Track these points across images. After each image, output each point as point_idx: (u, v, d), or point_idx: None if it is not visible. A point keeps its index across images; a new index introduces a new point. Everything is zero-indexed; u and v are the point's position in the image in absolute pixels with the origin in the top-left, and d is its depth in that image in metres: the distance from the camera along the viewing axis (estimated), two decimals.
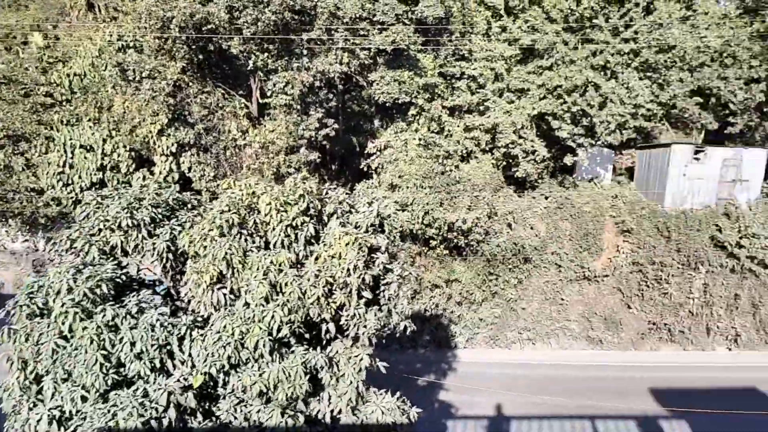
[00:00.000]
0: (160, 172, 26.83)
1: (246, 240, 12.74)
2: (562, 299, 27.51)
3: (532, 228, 28.00)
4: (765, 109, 33.69)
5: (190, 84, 25.78)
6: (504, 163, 29.27)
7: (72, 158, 27.08)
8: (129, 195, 13.33)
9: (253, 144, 25.57)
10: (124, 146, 27.09)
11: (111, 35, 29.00)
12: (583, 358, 26.21)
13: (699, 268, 27.11)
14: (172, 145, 26.19)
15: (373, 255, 13.34)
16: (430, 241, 26.25)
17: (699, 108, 32.93)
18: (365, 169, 28.20)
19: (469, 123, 28.14)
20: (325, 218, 13.93)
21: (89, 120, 27.47)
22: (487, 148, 29.14)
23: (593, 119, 28.16)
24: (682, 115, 33.47)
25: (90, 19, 37.54)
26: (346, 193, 14.77)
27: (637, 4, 28.07)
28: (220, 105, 26.22)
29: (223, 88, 26.89)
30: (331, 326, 12.81)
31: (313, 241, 13.30)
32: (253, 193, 13.24)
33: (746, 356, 26.27)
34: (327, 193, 14.34)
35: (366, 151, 28.08)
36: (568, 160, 29.78)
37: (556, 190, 29.51)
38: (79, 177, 27.13)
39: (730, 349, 26.75)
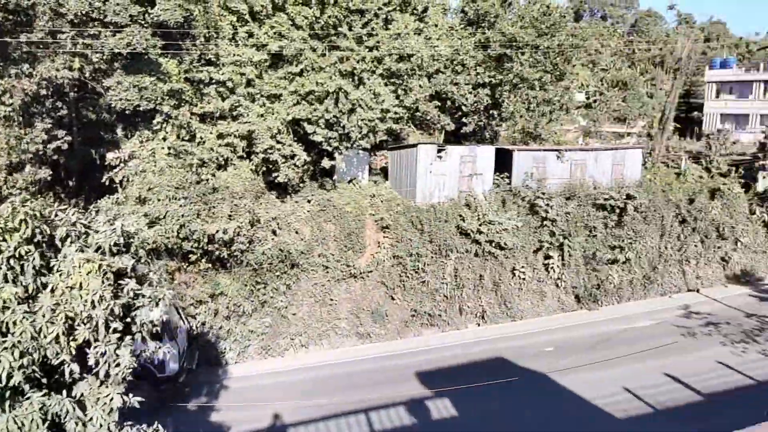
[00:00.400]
0: None
1: None
2: (331, 299, 28.09)
3: (297, 232, 28.12)
4: (491, 111, 38.20)
5: None
6: (264, 168, 28.99)
7: None
8: None
9: None
10: None
11: None
12: (354, 353, 27.02)
13: (449, 255, 29.71)
14: None
15: (120, 281, 11.94)
16: (190, 255, 24.85)
17: (438, 111, 36.23)
18: (108, 183, 25.68)
19: (223, 129, 27.29)
20: (58, 243, 12.14)
21: None
22: (245, 155, 28.60)
23: (346, 124, 29.22)
24: (425, 118, 36.51)
25: None
26: (80, 212, 13.06)
27: (376, 15, 29.81)
28: None
29: None
30: (75, 366, 11.15)
31: (44, 271, 11.49)
32: None
33: (493, 329, 29.50)
34: (57, 215, 12.53)
35: (107, 164, 25.59)
36: (326, 163, 30.55)
37: (318, 193, 30.08)
38: None
39: (479, 325, 29.78)
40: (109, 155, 26.17)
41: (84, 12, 23.09)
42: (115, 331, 11.30)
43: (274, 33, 28.83)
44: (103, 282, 11.14)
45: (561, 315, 31.37)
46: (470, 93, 36.21)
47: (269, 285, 26.60)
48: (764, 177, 38.87)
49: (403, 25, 30.04)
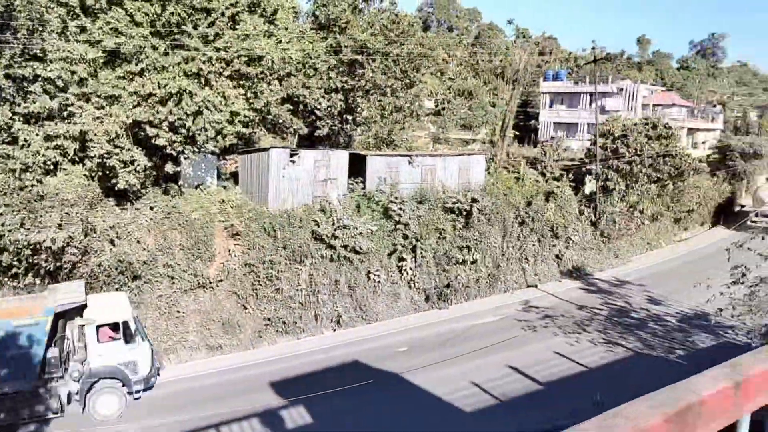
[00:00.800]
0: None
1: None
2: (179, 312, 26.64)
3: (139, 242, 26.33)
4: (345, 116, 38.50)
5: None
6: (100, 174, 26.83)
7: None
8: None
9: None
10: None
11: None
12: (205, 367, 25.82)
13: (304, 261, 29.42)
14: None
15: None
16: (12, 269, 22.32)
17: (291, 114, 35.81)
18: None
19: (51, 131, 24.88)
20: None
21: None
22: (77, 159, 26.29)
23: (192, 127, 27.92)
24: (277, 121, 35.90)
25: None
26: None
27: (223, 14, 28.83)
28: None
29: None
30: None
31: None
32: None
33: (348, 334, 29.64)
34: None
35: None
36: (170, 168, 29.00)
37: (162, 200, 28.42)
38: None
39: (335, 330, 29.79)
40: None
41: None
42: None
43: (111, 29, 26.85)
44: None
45: (414, 315, 32.30)
46: (323, 97, 36.22)
47: None
48: (590, 180, 42.88)
49: (252, 27, 29.37)
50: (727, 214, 57.50)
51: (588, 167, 43.44)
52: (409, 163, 35.01)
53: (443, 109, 54.37)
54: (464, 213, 34.78)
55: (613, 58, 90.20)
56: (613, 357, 27.61)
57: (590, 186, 42.90)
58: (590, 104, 60.54)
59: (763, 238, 24.63)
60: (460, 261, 34.24)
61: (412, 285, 32.63)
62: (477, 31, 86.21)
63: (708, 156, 61.57)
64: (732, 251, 24.51)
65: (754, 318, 25.71)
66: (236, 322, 27.67)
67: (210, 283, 27.56)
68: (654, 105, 62.27)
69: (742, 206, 62.23)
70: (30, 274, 22.95)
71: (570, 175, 42.98)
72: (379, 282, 31.13)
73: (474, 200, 34.72)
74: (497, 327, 31.14)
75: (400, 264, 32.35)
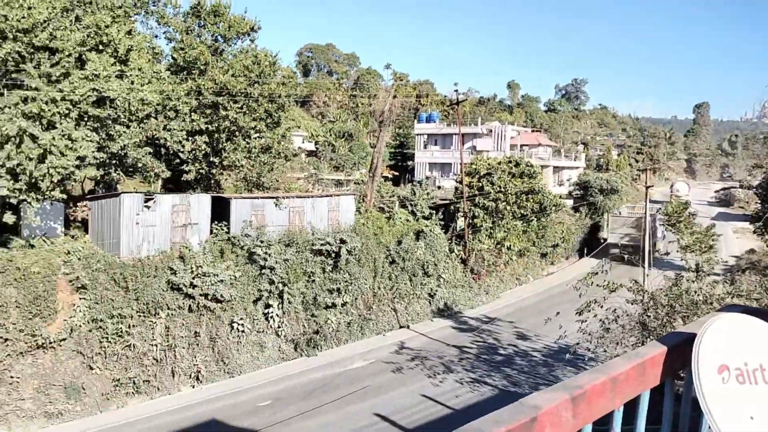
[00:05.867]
0: None
1: None
2: (12, 377, 23.87)
3: None
4: (212, 159, 37.20)
5: None
6: None
7: None
8: None
9: None
10: None
11: None
12: None
13: (159, 313, 27.54)
14: None
15: None
16: None
17: (152, 157, 34.08)
18: None
19: None
20: None
21: None
22: None
23: (34, 173, 25.67)
24: (136, 165, 33.98)
25: None
26: None
27: (69, 55, 27.02)
28: None
29: None
30: None
31: None
32: None
33: (209, 389, 27.88)
34: None
35: None
36: (8, 218, 26.42)
37: None
38: None
39: (193, 387, 27.94)
40: None
41: None
42: None
43: None
44: None
45: (281, 365, 31.05)
46: (186, 140, 34.83)
47: None
48: (459, 218, 44.04)
49: (101, 67, 27.71)
50: (591, 246, 61.14)
51: (456, 205, 44.63)
52: (276, 205, 34.19)
53: (319, 150, 54.26)
54: (333, 255, 34.31)
55: (486, 101, 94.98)
56: (479, 397, 27.80)
57: (460, 223, 44.04)
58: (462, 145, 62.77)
59: (606, 272, 25.80)
60: (330, 305, 33.58)
61: (280, 333, 31.48)
62: (356, 75, 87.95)
63: (570, 192, 65.52)
64: (585, 285, 25.46)
65: (608, 350, 26.90)
66: (80, 384, 25.21)
67: (51, 343, 24.99)
68: (522, 145, 65.69)
69: (604, 239, 66.56)
70: None
71: (440, 214, 43.92)
72: (243, 332, 29.74)
73: (343, 241, 34.38)
74: (366, 372, 30.59)
75: (266, 311, 31.15)
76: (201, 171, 37.13)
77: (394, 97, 46.30)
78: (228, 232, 32.22)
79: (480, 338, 36.32)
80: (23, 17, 25.42)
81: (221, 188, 39.58)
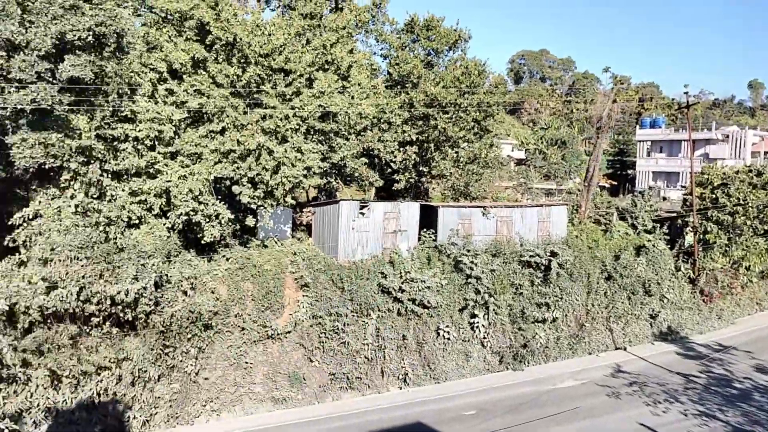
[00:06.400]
0: None
1: None
2: (247, 362, 27.19)
3: (213, 292, 27.33)
4: (420, 168, 38.69)
5: None
6: (181, 227, 28.34)
7: None
8: None
9: None
10: None
11: None
12: (269, 420, 26.00)
13: (370, 314, 29.30)
14: None
15: None
16: (92, 319, 23.81)
17: (367, 167, 36.50)
18: (11, 243, 24.68)
19: (136, 187, 26.78)
20: None
21: None
22: (161, 213, 28.00)
23: (270, 182, 29.04)
24: (353, 175, 36.65)
25: None
26: None
27: (300, 75, 30.15)
28: None
29: None
30: None
31: None
32: None
33: (415, 393, 28.89)
34: None
35: (10, 223, 24.67)
36: (249, 221, 30.21)
37: (238, 251, 29.51)
38: None
39: (401, 388, 29.14)
40: (16, 215, 25.26)
41: None
42: None
43: (195, 91, 28.80)
44: None
45: (486, 376, 31.01)
46: (398, 150, 36.68)
47: (178, 348, 25.62)
48: (687, 233, 40.01)
49: (326, 84, 30.43)
50: None
51: (684, 219, 40.62)
52: (483, 214, 34.34)
53: (527, 158, 53.29)
54: (543, 267, 33.43)
55: (721, 103, 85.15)
56: None
57: (688, 239, 40.00)
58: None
59: None
60: (539, 319, 32.75)
61: (485, 343, 31.47)
62: (571, 80, 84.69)
63: None
64: None
65: None
66: (302, 375, 27.81)
67: (278, 334, 28.01)
68: (766, 152, 57.67)
69: None
70: (108, 323, 24.37)
71: (665, 228, 40.34)
72: (448, 339, 30.32)
73: (554, 254, 33.34)
74: (577, 393, 29.21)
75: (472, 320, 31.39)
76: (411, 180, 38.82)
77: (614, 101, 43.71)
78: (435, 240, 33.16)
79: (710, 368, 32.57)
80: (264, 43, 28.94)
81: (429, 197, 40.92)
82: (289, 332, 28.30)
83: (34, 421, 22.35)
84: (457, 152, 37.30)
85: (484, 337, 31.40)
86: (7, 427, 11.80)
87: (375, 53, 41.15)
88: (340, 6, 36.23)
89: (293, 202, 31.65)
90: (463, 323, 31.36)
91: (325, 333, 28.52)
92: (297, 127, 30.02)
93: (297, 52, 29.90)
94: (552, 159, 55.82)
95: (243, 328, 27.51)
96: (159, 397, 24.99)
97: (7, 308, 21.57)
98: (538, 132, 62.81)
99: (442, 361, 30.13)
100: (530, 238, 35.11)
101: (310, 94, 30.29)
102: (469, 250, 32.15)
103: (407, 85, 36.18)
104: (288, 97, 30.10)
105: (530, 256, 33.33)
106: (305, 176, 30.25)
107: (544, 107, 69.53)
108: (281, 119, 29.41)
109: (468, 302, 31.42)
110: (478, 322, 31.18)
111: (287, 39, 29.69)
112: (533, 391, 29.27)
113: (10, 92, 23.37)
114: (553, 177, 52.01)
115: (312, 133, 31.30)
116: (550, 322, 33.13)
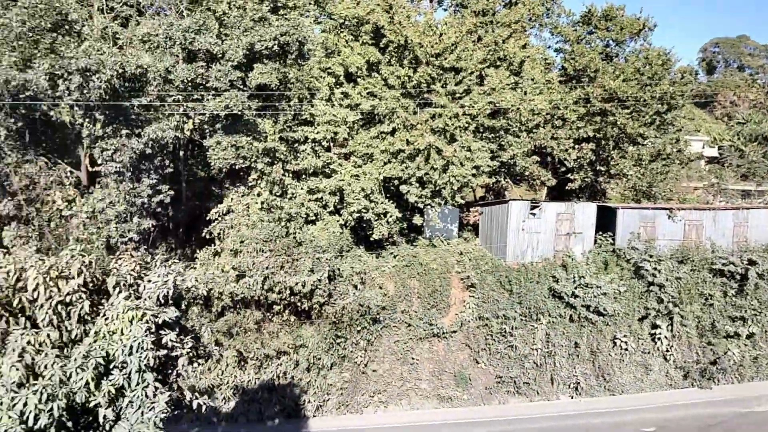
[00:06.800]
0: None
1: (8, 321, 11.85)
2: (413, 358, 27.76)
3: (380, 288, 28.31)
4: (597, 167, 36.73)
5: (9, 153, 24.44)
6: (353, 223, 29.74)
7: None
8: None
9: (79, 214, 24.42)
10: None
11: None
12: (433, 417, 26.31)
13: (540, 319, 28.41)
14: None
15: (161, 331, 12.63)
16: (274, 306, 25.85)
17: (538, 166, 35.45)
18: (207, 235, 27.61)
19: (313, 185, 28.57)
20: (110, 290, 13.20)
21: None
22: (335, 210, 29.60)
23: (438, 181, 29.43)
24: (523, 174, 35.81)
25: None
26: (140, 264, 14.15)
27: (471, 73, 30.14)
28: (44, 174, 24.99)
29: (47, 156, 25.73)
30: (109, 412, 11.79)
31: (88, 318, 12.53)
32: (21, 268, 12.39)
33: (587, 403, 27.48)
34: (113, 263, 13.72)
35: (208, 217, 27.60)
36: (416, 220, 30.85)
37: (405, 249, 30.24)
38: None
39: (572, 397, 27.88)
40: (213, 210, 28.22)
41: (190, 78, 25.55)
42: (149, 380, 11.85)
43: (368, 93, 30.02)
44: (145, 331, 11.82)
45: (668, 392, 28.58)
46: (572, 148, 35.15)
47: (349, 339, 26.88)
48: None
49: (498, 81, 30.05)
50: None
51: None
52: (669, 217, 31.66)
53: (721, 156, 48.21)
54: (739, 277, 30.05)
55: None
56: None
57: None
58: None
59: None
60: (732, 334, 29.52)
61: (668, 357, 29.01)
62: None
63: None
64: None
65: None
66: (468, 375, 27.76)
67: (444, 333, 28.25)
68: None
69: None
70: (287, 312, 26.29)
71: None
72: (626, 350, 28.41)
73: (752, 262, 29.82)
74: None
75: (653, 331, 29.13)
76: (586, 179, 36.99)
77: None
78: (613, 244, 31.26)
79: None
80: (435, 43, 29.34)
81: (606, 197, 38.68)
82: (454, 332, 28.41)
83: (225, 397, 24.82)
84: (637, 150, 34.85)
85: (667, 350, 28.96)
86: (204, 402, 13.16)
87: (549, 47, 39.92)
88: (513, 0, 35.56)
89: (461, 201, 31.72)
90: (643, 334, 29.21)
91: (491, 335, 28.20)
92: (466, 125, 30.04)
93: (468, 50, 29.91)
94: (751, 157, 49.99)
95: (409, 325, 28.13)
96: (331, 385, 26.42)
97: (205, 293, 24.15)
98: (735, 127, 56.66)
99: (618, 372, 28.32)
100: (723, 244, 31.74)
101: (481, 92, 30.15)
102: (651, 256, 29.85)
103: (583, 80, 34.55)
104: (458, 95, 30.25)
105: (723, 264, 30.13)
106: (473, 175, 30.19)
107: (741, 100, 62.60)
108: (450, 118, 29.62)
109: (649, 311, 29.21)
110: (660, 334, 28.86)
111: (458, 38, 29.82)
112: (724, 413, 26.44)
113: (208, 99, 26.18)
114: (752, 177, 46.47)
115: (481, 131, 31.13)
116: (746, 338, 29.67)
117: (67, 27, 24.68)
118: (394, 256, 29.72)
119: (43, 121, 25.67)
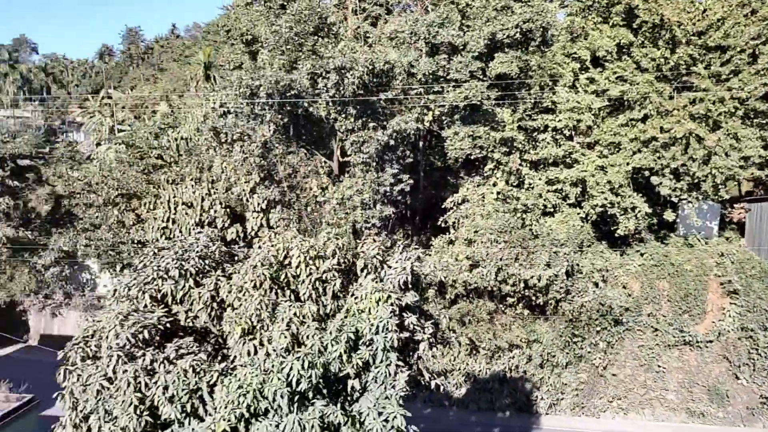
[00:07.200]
0: (252, 228, 28.71)
1: (277, 293, 13.43)
2: (659, 366, 25.60)
3: (624, 287, 26.51)
4: None
5: (277, 145, 27.75)
6: (595, 217, 28.22)
7: (174, 214, 29.79)
8: (179, 247, 14.54)
9: (331, 200, 26.82)
10: (220, 203, 29.36)
11: (215, 102, 32.11)
12: (681, 431, 24.04)
13: None
14: (263, 201, 27.98)
15: (404, 314, 13.35)
16: (507, 299, 25.73)
17: None
18: (443, 224, 28.44)
19: (553, 176, 27.69)
20: (358, 271, 14.29)
21: (191, 179, 30.23)
22: (575, 202, 28.36)
23: (697, 173, 26.58)
24: None
25: (204, 89, 41.84)
26: (381, 249, 15.03)
27: (741, 51, 26.57)
28: (303, 164, 27.92)
29: (306, 148, 28.68)
30: (356, 383, 12.83)
31: (340, 295, 13.72)
32: (288, 247, 13.97)
33: None
34: (361, 247, 14.78)
35: (444, 206, 28.42)
36: (668, 215, 28.21)
37: (653, 247, 27.90)
38: (180, 231, 29.74)
39: None
40: (449, 199, 29.03)
41: (431, 71, 26.43)
42: (392, 359, 12.61)
43: (616, 78, 28.11)
44: (390, 313, 12.61)
45: None
46: None
47: (587, 339, 25.71)
48: None
49: None
50: None
51: None
52: None
53: None
54: None
55: None
56: None
57: None
58: None
59: None
60: None
61: None
62: None
63: None
64: None
65: None
66: (725, 391, 24.78)
67: (697, 342, 25.55)
68: None
69: None
70: (521, 305, 25.98)
71: None
72: None
73: None
74: None
75: None
76: None
77: None
78: None
79: None
80: (698, 20, 26.35)
81: None
82: (710, 341, 25.53)
83: (456, 383, 25.49)
84: None
85: None
86: (441, 383, 13.66)
87: None
88: None
89: (726, 196, 28.16)
90: None
91: (757, 349, 24.76)
92: (733, 110, 26.62)
93: (739, 25, 26.33)
94: None
95: (656, 330, 25.98)
96: (566, 384, 25.59)
97: (443, 280, 24.97)
98: None
99: None
100: None
101: (752, 72, 26.36)
102: None
103: None
104: (723, 77, 26.89)
105: None
106: (741, 167, 26.65)
107: None
108: (714, 102, 26.49)
109: None
110: None
111: (726, 12, 26.41)
112: None
113: (448, 91, 26.83)
114: None
115: (752, 116, 27.26)
116: None
117: (326, 30, 27.10)
118: (641, 254, 27.56)
119: (303, 116, 28.66)
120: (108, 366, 12.56)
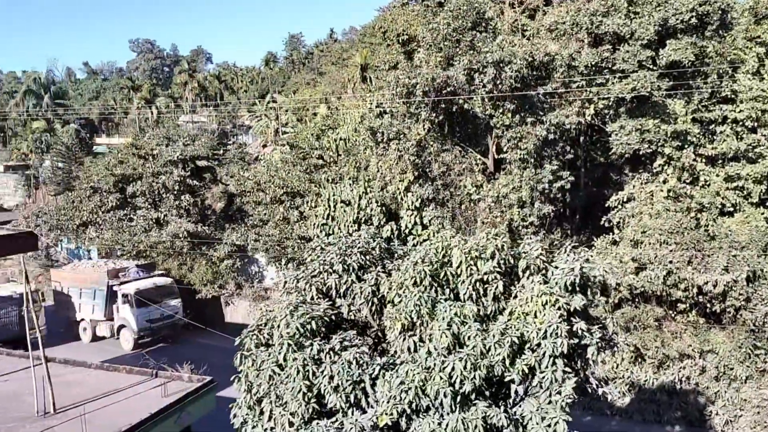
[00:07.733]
0: (406, 226, 29.36)
1: (436, 291, 13.59)
2: None
3: None
4: None
5: (432, 143, 28.08)
6: None
7: (334, 211, 31.28)
8: (342, 243, 15.23)
9: (486, 198, 26.63)
10: (376, 201, 30.38)
11: (371, 103, 33.23)
12: None
13: None
14: (417, 200, 28.53)
15: (572, 319, 12.85)
16: (678, 305, 23.91)
17: None
18: (606, 224, 27.04)
19: (732, 172, 25.29)
20: (520, 273, 13.99)
21: (349, 178, 31.58)
22: (759, 201, 25.70)
23: None
24: None
25: (360, 90, 43.41)
26: (544, 249, 14.60)
27: None
28: (458, 162, 27.98)
29: (460, 145, 28.70)
30: (520, 388, 12.62)
31: (500, 297, 13.53)
32: (448, 245, 14.06)
33: None
34: (523, 247, 14.47)
35: (607, 204, 27.03)
36: None
37: None
38: (339, 228, 31.17)
39: None
40: (613, 197, 27.56)
41: (594, 63, 25.21)
42: (559, 365, 12.18)
43: None
44: (559, 318, 12.20)
45: None
46: None
47: None
48: None
49: None
50: None
51: None
52: None
53: None
54: None
55: None
56: None
57: None
58: None
59: None
60: None
61: None
62: None
63: None
64: None
65: None
66: None
67: None
68: None
69: None
70: (694, 312, 24.01)
71: None
72: None
73: None
74: None
75: None
76: None
77: None
78: None
79: None
80: None
81: None
82: None
83: (620, 392, 24.17)
84: None
85: None
86: (609, 392, 13.03)
87: None
88: None
89: None
90: None
91: None
92: None
93: None
94: None
95: None
96: (745, 400, 23.31)
97: (612, 284, 23.68)
98: None
99: None
100: None
101: None
102: None
103: None
104: None
105: None
106: None
107: None
108: None
109: None
110: None
111: None
112: None
113: (612, 83, 25.46)
114: None
115: None
116: None
117: (483, 24, 26.88)
118: None
119: (458, 113, 28.68)
120: (279, 353, 13.46)
